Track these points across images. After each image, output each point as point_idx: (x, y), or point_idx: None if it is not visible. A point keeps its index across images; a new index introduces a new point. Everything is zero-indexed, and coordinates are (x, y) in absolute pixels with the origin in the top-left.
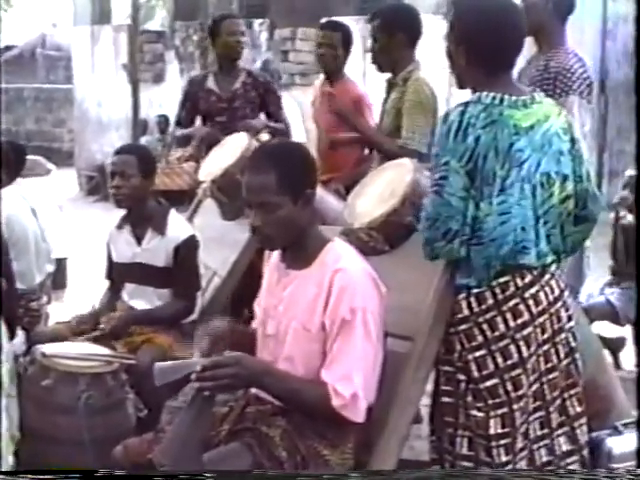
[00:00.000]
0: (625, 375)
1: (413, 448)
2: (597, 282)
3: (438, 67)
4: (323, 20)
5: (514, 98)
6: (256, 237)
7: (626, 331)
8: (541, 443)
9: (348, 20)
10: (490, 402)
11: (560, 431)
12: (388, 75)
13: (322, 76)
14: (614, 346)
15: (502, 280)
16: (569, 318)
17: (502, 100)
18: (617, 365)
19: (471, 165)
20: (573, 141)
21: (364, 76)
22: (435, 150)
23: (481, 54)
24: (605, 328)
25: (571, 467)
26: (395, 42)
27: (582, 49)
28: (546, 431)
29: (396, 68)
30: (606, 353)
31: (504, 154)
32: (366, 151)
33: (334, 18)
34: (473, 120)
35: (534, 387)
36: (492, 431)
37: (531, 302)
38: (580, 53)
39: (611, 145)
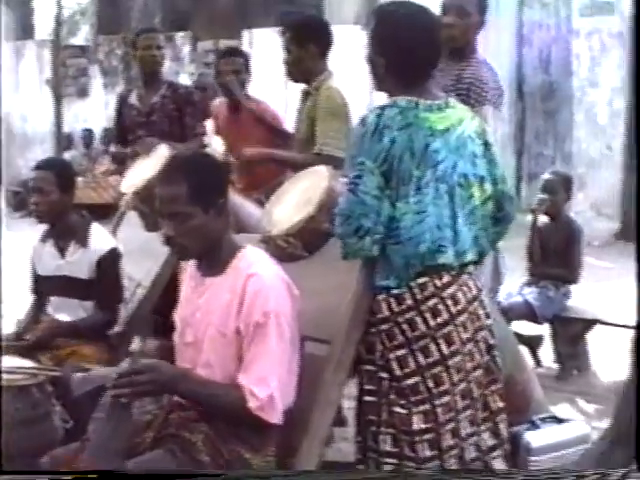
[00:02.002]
0: (544, 372)
1: (340, 450)
2: (516, 282)
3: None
4: (220, 47)
5: (429, 102)
6: (170, 247)
7: (544, 329)
8: (470, 440)
9: (269, 31)
10: (412, 399)
11: (484, 427)
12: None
13: (222, 98)
14: (533, 344)
15: (421, 281)
16: (487, 316)
17: (417, 104)
18: (536, 362)
19: (386, 166)
20: (486, 145)
21: (286, 86)
22: (351, 151)
23: (399, 65)
24: (524, 327)
25: (495, 462)
26: (306, 53)
27: (498, 55)
28: (474, 429)
29: (309, 78)
30: (525, 351)
31: (420, 155)
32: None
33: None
34: (389, 122)
35: (461, 386)
36: (415, 427)
37: (450, 302)
38: (497, 59)
39: (529, 149)
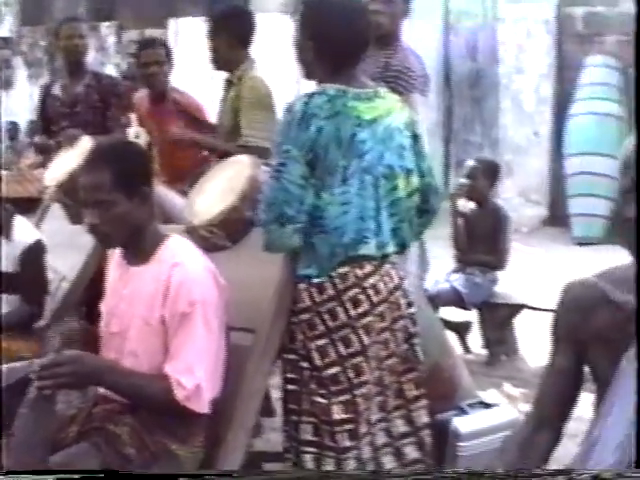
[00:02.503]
0: (472, 358)
1: (269, 440)
2: (443, 269)
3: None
4: (141, 38)
5: (358, 91)
6: (94, 235)
7: (472, 315)
8: (379, 426)
9: (197, 21)
10: (333, 389)
11: (396, 413)
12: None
13: (143, 90)
14: (461, 330)
15: (342, 270)
16: (409, 305)
17: (346, 92)
18: (465, 348)
19: (312, 155)
20: (415, 137)
21: (212, 78)
22: (278, 138)
23: (328, 49)
24: (452, 313)
25: (407, 448)
26: (227, 42)
27: (426, 43)
28: (383, 414)
29: (232, 67)
30: (454, 337)
31: (346, 145)
32: (205, 152)
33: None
34: (317, 110)
35: (375, 374)
36: (335, 417)
37: (371, 292)
38: (424, 47)
39: (456, 136)
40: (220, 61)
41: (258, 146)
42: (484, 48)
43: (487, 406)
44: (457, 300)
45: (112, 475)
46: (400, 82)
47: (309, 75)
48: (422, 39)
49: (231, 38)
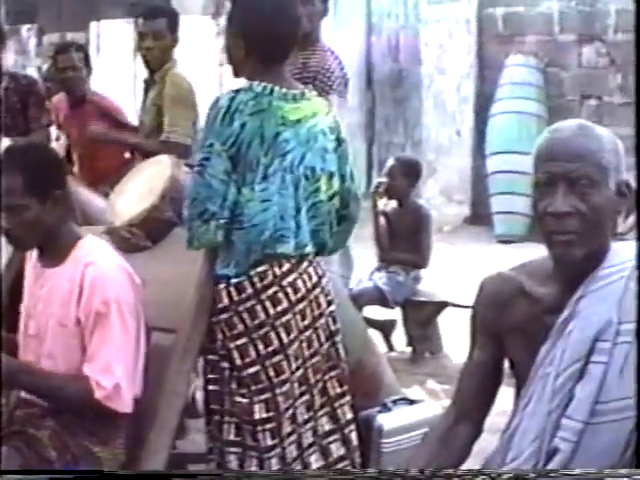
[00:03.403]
0: (397, 355)
1: (194, 442)
2: (367, 268)
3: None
4: (58, 43)
5: (284, 91)
6: (7, 239)
7: (395, 314)
8: (307, 426)
9: (118, 23)
10: (253, 388)
11: (322, 412)
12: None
13: (62, 94)
14: (385, 328)
15: (260, 269)
16: (329, 303)
17: (272, 91)
18: (389, 346)
19: (234, 150)
20: (339, 140)
21: (135, 77)
22: (203, 133)
23: (256, 45)
24: (376, 312)
25: (332, 446)
26: (162, 42)
27: (347, 44)
28: (311, 414)
29: (158, 67)
30: (378, 335)
31: (269, 143)
32: (127, 154)
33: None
34: (242, 107)
35: (299, 373)
36: (257, 416)
37: (289, 290)
38: (346, 48)
39: (379, 137)
40: (154, 61)
41: (178, 142)
42: (406, 49)
43: (411, 402)
44: (380, 299)
45: (111, 475)
46: (318, 83)
47: (238, 72)
48: (344, 40)
49: (167, 38)
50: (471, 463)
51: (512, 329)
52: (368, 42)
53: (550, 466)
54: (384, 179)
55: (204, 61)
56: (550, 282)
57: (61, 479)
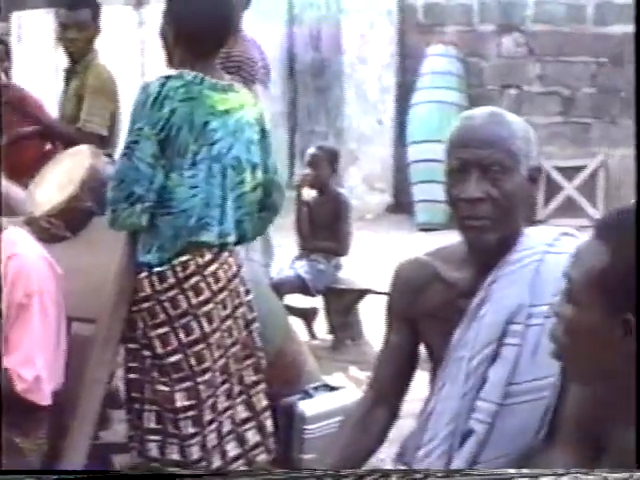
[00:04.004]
0: (319, 343)
1: (117, 432)
2: (288, 257)
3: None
4: None
5: (214, 81)
6: None
7: (317, 301)
8: (227, 414)
9: (39, 13)
10: (175, 376)
11: (239, 399)
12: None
13: None
14: (307, 316)
15: (183, 259)
16: (247, 292)
17: (203, 80)
18: (311, 334)
19: (164, 134)
20: (263, 132)
21: (56, 68)
22: (131, 118)
23: (189, 37)
24: (297, 300)
25: (248, 433)
26: (85, 33)
27: (269, 33)
28: (230, 402)
29: (78, 57)
30: (300, 323)
31: (198, 130)
32: (48, 145)
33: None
34: (172, 93)
35: (220, 362)
36: (178, 404)
37: (211, 280)
38: (268, 38)
39: (302, 126)
40: (77, 52)
41: (93, 132)
42: (327, 39)
43: (332, 389)
44: (301, 287)
45: (111, 475)
46: (242, 73)
47: (170, 62)
48: (266, 30)
49: (91, 29)
50: (388, 448)
51: (427, 314)
52: (290, 32)
53: (465, 447)
54: (309, 170)
55: (125, 52)
56: (464, 267)
57: (61, 479)
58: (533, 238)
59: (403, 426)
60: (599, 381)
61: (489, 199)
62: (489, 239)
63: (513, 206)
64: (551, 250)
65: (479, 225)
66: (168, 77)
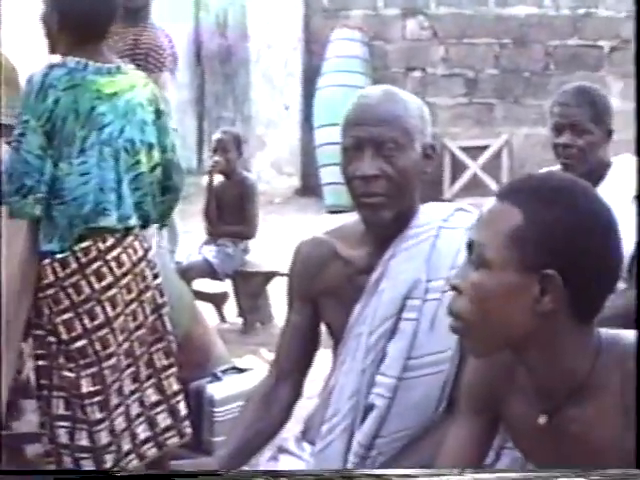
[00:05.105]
0: (229, 327)
1: (30, 422)
2: (196, 243)
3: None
4: None
5: (99, 65)
6: None
7: (226, 286)
8: (134, 397)
9: None
10: (81, 362)
11: (148, 383)
12: None
13: None
14: (217, 301)
15: (84, 245)
16: (155, 276)
17: (87, 66)
18: (221, 318)
19: (49, 125)
20: (158, 112)
21: None
22: (21, 109)
23: (71, 22)
24: (206, 285)
25: (159, 417)
26: None
27: (176, 20)
28: (137, 385)
29: None
30: (210, 308)
31: (84, 117)
32: None
33: None
34: (55, 82)
35: (125, 345)
36: (84, 390)
37: (114, 264)
38: (174, 25)
39: (210, 113)
40: None
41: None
42: (234, 24)
43: (240, 371)
44: (210, 271)
45: (111, 475)
46: (150, 60)
47: (54, 49)
48: (172, 16)
49: None
50: (293, 426)
51: (327, 292)
52: (196, 18)
53: (367, 422)
54: (217, 154)
55: (28, 41)
56: (362, 244)
57: (62, 479)
58: (428, 214)
59: (309, 406)
60: (503, 350)
61: (384, 176)
62: (385, 216)
63: (408, 183)
64: (446, 225)
65: (374, 202)
66: (51, 66)
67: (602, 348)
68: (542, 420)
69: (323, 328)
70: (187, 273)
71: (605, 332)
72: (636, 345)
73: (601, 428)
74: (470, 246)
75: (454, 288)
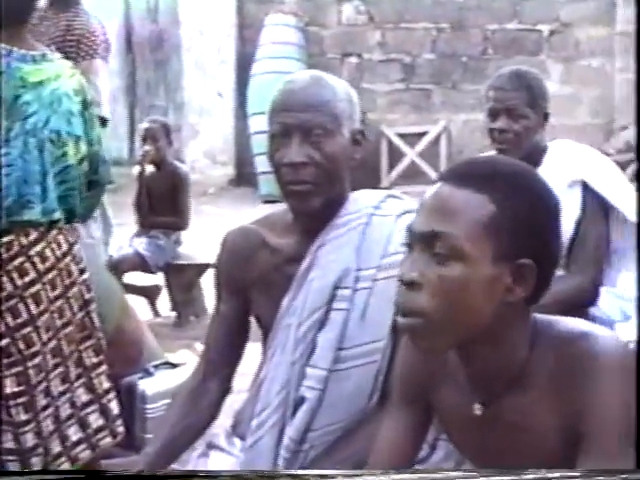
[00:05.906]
0: (162, 321)
1: None
2: (128, 235)
3: None
4: None
5: (24, 52)
6: None
7: (159, 279)
8: (63, 398)
9: None
10: (5, 362)
11: (78, 383)
12: None
13: None
14: (149, 294)
15: (6, 240)
16: (81, 271)
17: (11, 52)
18: (154, 312)
19: None
20: (85, 103)
21: None
22: None
23: None
24: (138, 278)
25: (91, 417)
26: None
27: (105, 7)
28: (67, 386)
29: None
30: (143, 301)
31: (8, 105)
32: None
33: None
34: None
35: (51, 344)
36: (8, 390)
37: (37, 259)
38: (104, 11)
39: (141, 101)
40: None
41: None
42: (165, 10)
43: (174, 366)
44: (141, 264)
45: (111, 475)
46: (82, 46)
47: None
48: (102, 2)
49: None
50: (224, 421)
51: (255, 282)
52: (127, 4)
53: (298, 416)
54: (146, 144)
55: None
56: (291, 232)
57: (63, 479)
58: (359, 201)
59: (239, 400)
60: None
61: (312, 163)
62: (313, 203)
63: (337, 170)
64: (377, 212)
65: (302, 190)
66: None
67: (538, 334)
68: (478, 411)
69: (253, 320)
70: (118, 266)
71: (540, 317)
72: (636, 345)
73: (537, 415)
74: (427, 237)
75: (409, 283)
